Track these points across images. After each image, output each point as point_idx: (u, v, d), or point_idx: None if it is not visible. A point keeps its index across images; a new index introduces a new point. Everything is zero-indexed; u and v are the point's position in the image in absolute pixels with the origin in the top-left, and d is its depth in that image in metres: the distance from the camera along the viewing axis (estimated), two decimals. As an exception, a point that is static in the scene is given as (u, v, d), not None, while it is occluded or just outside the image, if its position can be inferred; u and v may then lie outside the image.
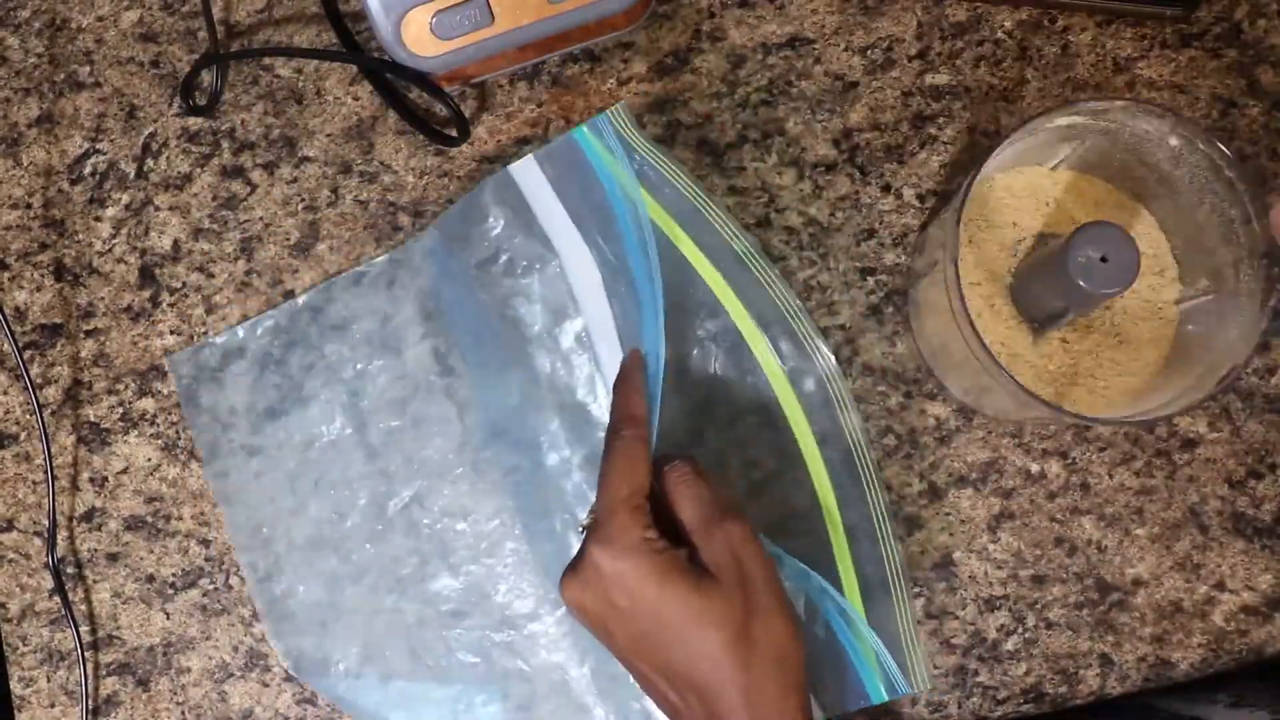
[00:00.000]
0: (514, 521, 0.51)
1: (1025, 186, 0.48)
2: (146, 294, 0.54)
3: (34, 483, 0.55)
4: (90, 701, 0.53)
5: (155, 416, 0.54)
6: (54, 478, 0.53)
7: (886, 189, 0.51)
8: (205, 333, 0.54)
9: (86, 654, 0.53)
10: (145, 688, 0.54)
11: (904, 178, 0.51)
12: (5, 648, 0.54)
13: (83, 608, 0.54)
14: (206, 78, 0.54)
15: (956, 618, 0.49)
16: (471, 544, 0.51)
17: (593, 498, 0.43)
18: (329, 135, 0.54)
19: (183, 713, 0.53)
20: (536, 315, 0.50)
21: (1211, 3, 0.50)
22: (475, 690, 0.51)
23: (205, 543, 0.53)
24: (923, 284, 0.48)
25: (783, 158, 0.52)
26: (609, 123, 0.47)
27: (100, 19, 0.56)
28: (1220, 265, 0.43)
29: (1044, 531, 0.49)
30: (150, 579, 0.54)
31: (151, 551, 0.54)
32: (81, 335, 0.55)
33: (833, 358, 0.48)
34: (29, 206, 0.56)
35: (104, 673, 0.54)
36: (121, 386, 0.54)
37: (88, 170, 0.55)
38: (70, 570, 0.54)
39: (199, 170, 0.55)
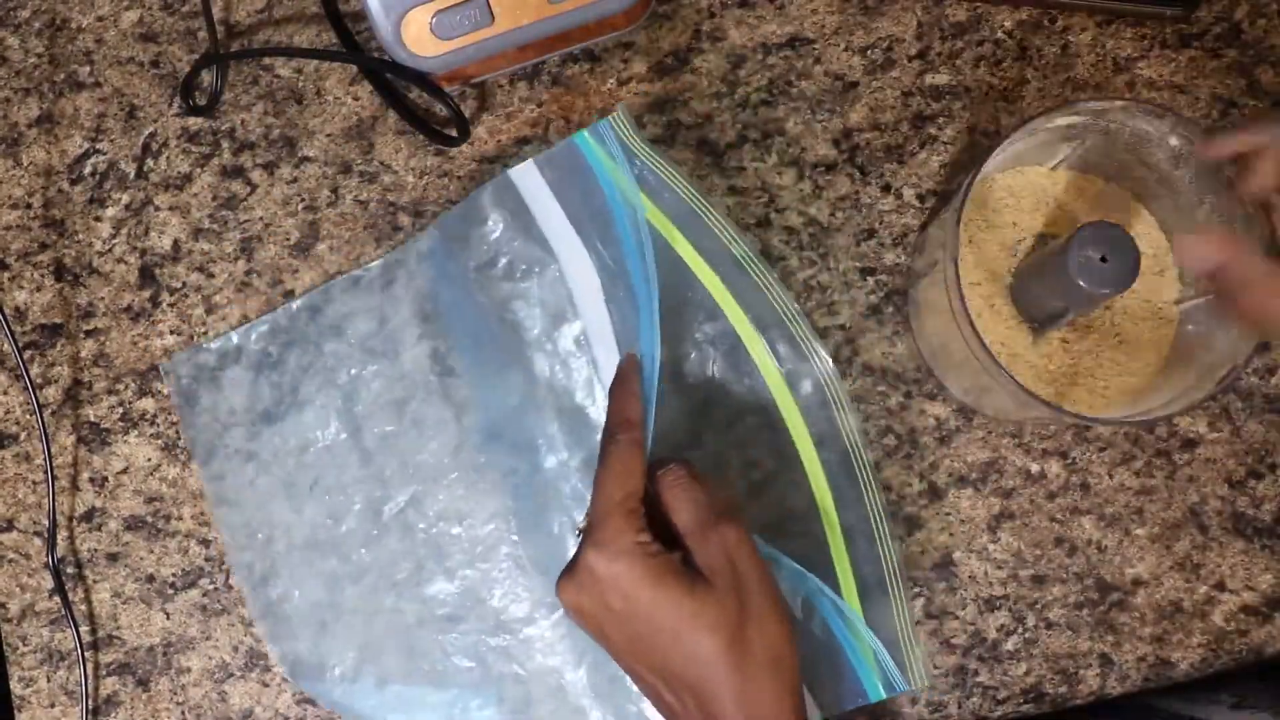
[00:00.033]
0: (510, 525, 0.51)
1: (1025, 186, 0.48)
2: (146, 294, 0.54)
3: (34, 483, 0.55)
4: (90, 701, 0.53)
5: (155, 416, 0.54)
6: (54, 478, 0.53)
7: (886, 189, 0.51)
8: (205, 332, 0.54)
9: (86, 654, 0.53)
10: (145, 688, 0.54)
11: (904, 178, 0.51)
12: (5, 648, 0.54)
13: (83, 608, 0.54)
14: (206, 78, 0.54)
15: (956, 618, 0.49)
16: (467, 548, 0.51)
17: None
18: (329, 135, 0.54)
19: (183, 713, 0.53)
20: (535, 318, 0.50)
21: (1211, 3, 0.50)
22: (471, 694, 0.51)
23: (205, 543, 0.53)
24: (923, 284, 0.48)
25: (783, 158, 0.52)
26: (610, 128, 0.47)
27: (100, 19, 0.56)
28: None
29: (1044, 531, 0.49)
30: (150, 579, 0.54)
31: (151, 551, 0.54)
32: (81, 335, 0.55)
33: (830, 360, 0.48)
34: (29, 206, 0.56)
35: (104, 673, 0.54)
36: (121, 386, 0.54)
37: (88, 170, 0.55)
38: (70, 570, 0.54)
39: (199, 170, 0.55)
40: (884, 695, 0.45)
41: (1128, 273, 0.41)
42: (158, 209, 0.55)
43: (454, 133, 0.51)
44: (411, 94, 0.53)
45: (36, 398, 0.52)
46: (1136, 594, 0.49)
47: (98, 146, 0.55)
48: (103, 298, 0.55)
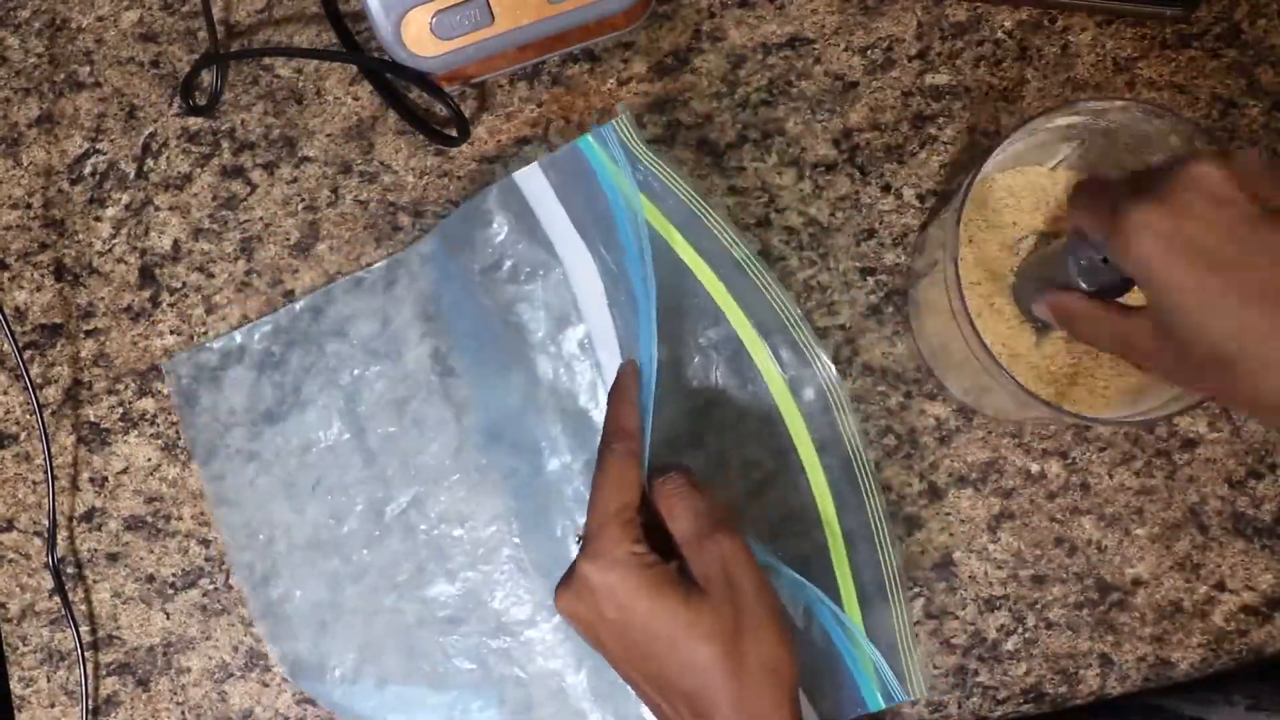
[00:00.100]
0: (512, 527, 0.51)
1: (1025, 186, 0.48)
2: (146, 294, 0.54)
3: (34, 483, 0.55)
4: (90, 701, 0.53)
5: (155, 416, 0.54)
6: (54, 478, 0.53)
7: (886, 189, 0.51)
8: (205, 332, 0.54)
9: (86, 654, 0.53)
10: (145, 688, 0.54)
11: (904, 178, 0.51)
12: (5, 648, 0.54)
13: (83, 608, 0.54)
14: (206, 78, 0.54)
15: (956, 618, 0.49)
16: (469, 550, 0.51)
17: None
18: (329, 135, 0.54)
19: (183, 713, 0.53)
20: (539, 321, 0.50)
21: (1211, 3, 0.50)
22: (471, 696, 0.51)
23: (205, 543, 0.53)
24: (923, 284, 0.48)
25: (783, 158, 0.52)
26: (613, 131, 0.47)
27: (100, 19, 0.56)
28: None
29: (1044, 531, 0.49)
30: (150, 579, 0.54)
31: (151, 551, 0.54)
32: (81, 335, 0.55)
33: (832, 366, 0.48)
34: (29, 206, 0.56)
35: (104, 673, 0.54)
36: (121, 386, 0.54)
37: (88, 170, 0.55)
38: (70, 570, 0.54)
39: (199, 170, 0.55)
40: (883, 705, 0.45)
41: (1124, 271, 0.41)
42: (158, 209, 0.55)
43: (454, 133, 0.51)
44: (411, 94, 0.53)
45: (36, 398, 0.52)
46: (1136, 594, 0.49)
47: (98, 146, 0.55)
48: (103, 298, 0.55)
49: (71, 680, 0.54)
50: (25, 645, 0.54)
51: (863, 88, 0.51)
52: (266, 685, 0.53)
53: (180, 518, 0.54)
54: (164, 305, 0.54)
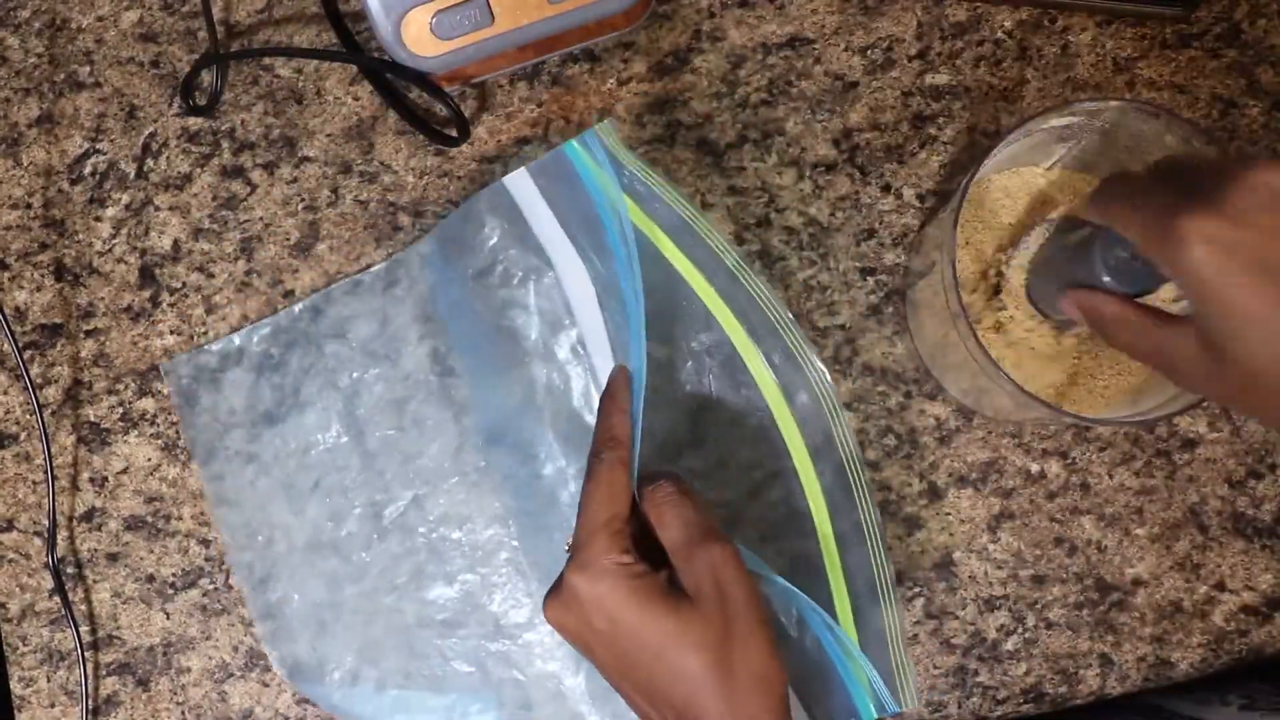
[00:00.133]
0: (510, 529, 0.51)
1: (1022, 187, 0.48)
2: (146, 294, 0.54)
3: (34, 483, 0.55)
4: (90, 701, 0.53)
5: (155, 416, 0.54)
6: (54, 478, 0.53)
7: (886, 189, 0.51)
8: (205, 332, 0.54)
9: (86, 654, 0.54)
10: (145, 688, 0.54)
11: (904, 178, 0.51)
12: (5, 648, 0.54)
13: (83, 608, 0.54)
14: (206, 78, 0.54)
15: (956, 618, 0.49)
16: (467, 552, 0.51)
17: None
18: (329, 135, 0.54)
19: (183, 713, 0.53)
20: (533, 326, 0.50)
21: (1211, 3, 0.50)
22: (470, 699, 0.51)
23: (205, 543, 0.53)
24: (920, 285, 0.48)
25: (783, 158, 0.52)
26: (597, 137, 0.47)
27: (100, 19, 0.56)
28: None
29: (1044, 531, 0.49)
30: (150, 579, 0.54)
31: (151, 551, 0.54)
32: (81, 335, 0.55)
33: (826, 371, 0.48)
34: (29, 206, 0.56)
35: (104, 673, 0.54)
36: (121, 386, 0.54)
37: (88, 170, 0.55)
38: (70, 570, 0.54)
39: (199, 170, 0.55)
40: (875, 715, 0.45)
41: (1158, 271, 0.38)
42: (158, 209, 0.55)
43: (454, 133, 0.51)
44: (411, 94, 0.53)
45: (36, 398, 0.52)
46: (1136, 594, 0.49)
47: (98, 146, 0.55)
48: (103, 298, 0.55)
49: (71, 680, 0.54)
50: (25, 645, 0.54)
51: (863, 88, 0.51)
52: (266, 685, 0.53)
53: (180, 518, 0.54)
54: (164, 305, 0.54)
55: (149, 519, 0.54)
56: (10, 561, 0.55)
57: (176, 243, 0.55)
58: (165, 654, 0.53)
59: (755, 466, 0.49)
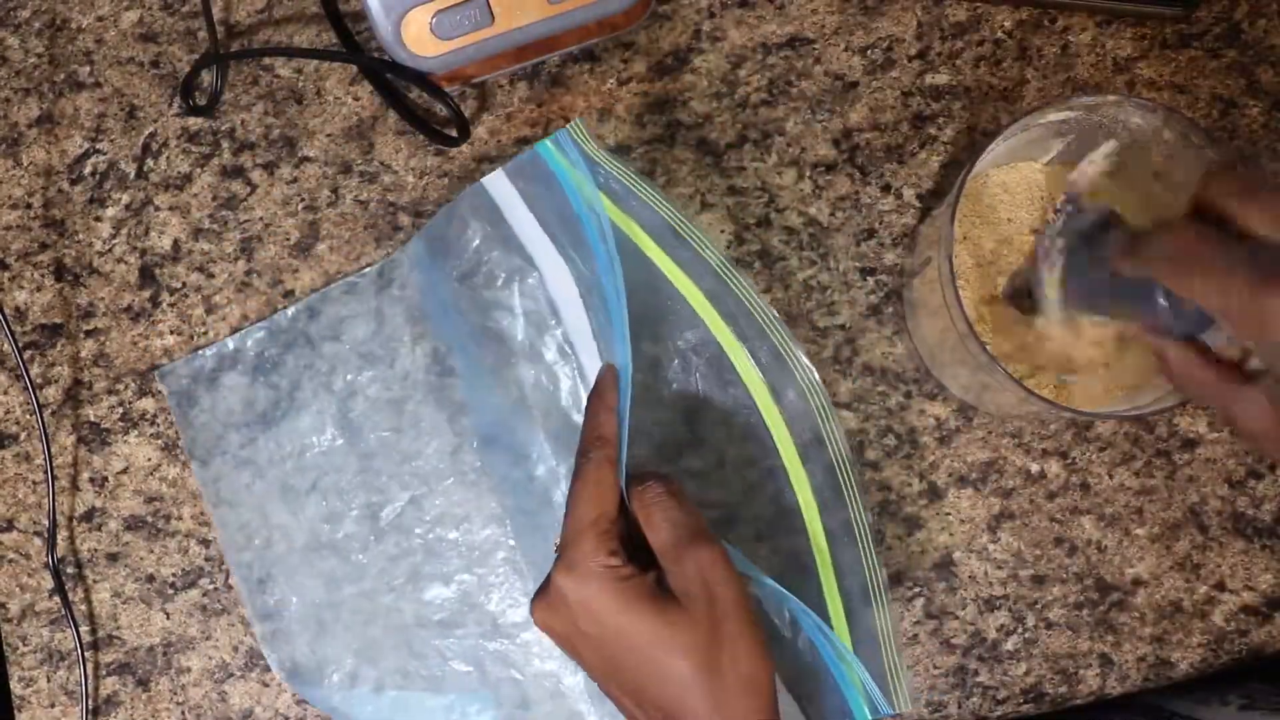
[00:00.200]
0: (506, 529, 0.51)
1: (1019, 182, 0.48)
2: (146, 294, 0.54)
3: (34, 483, 0.55)
4: (90, 701, 0.53)
5: (155, 416, 0.54)
6: (54, 478, 0.53)
7: (886, 189, 0.51)
8: (205, 332, 0.54)
9: (86, 654, 0.53)
10: (145, 688, 0.54)
11: (904, 178, 0.51)
12: (5, 648, 0.54)
13: (83, 608, 0.54)
14: (206, 78, 0.54)
15: (956, 618, 0.49)
16: (464, 553, 0.51)
17: None
18: (329, 135, 0.54)
19: (183, 713, 0.53)
20: (519, 327, 0.50)
21: (1211, 3, 0.50)
22: (469, 699, 0.51)
23: (205, 543, 0.53)
24: (916, 282, 0.48)
25: (783, 158, 0.52)
26: (569, 136, 0.47)
27: (100, 19, 0.56)
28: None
29: (1044, 531, 0.49)
30: (150, 579, 0.54)
31: (151, 551, 0.54)
32: (81, 335, 0.55)
33: (814, 369, 0.48)
34: (29, 206, 0.56)
35: (104, 673, 0.54)
36: (121, 386, 0.54)
37: (88, 170, 0.55)
38: (70, 570, 0.54)
39: (199, 170, 0.55)
40: (869, 717, 0.45)
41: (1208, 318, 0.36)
42: (158, 209, 0.55)
43: (454, 133, 0.51)
44: (411, 94, 0.53)
45: (36, 398, 0.52)
46: (1136, 594, 0.49)
47: (98, 146, 0.55)
48: (103, 298, 0.55)
49: (71, 680, 0.54)
50: (25, 645, 0.54)
51: (863, 88, 0.51)
52: (266, 685, 0.53)
53: (180, 518, 0.54)
54: (164, 305, 0.54)
55: (149, 519, 0.54)
56: (10, 561, 0.55)
57: (176, 243, 0.55)
58: (165, 654, 0.53)
59: (749, 465, 0.49)
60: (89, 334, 0.55)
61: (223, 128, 0.55)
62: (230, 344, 0.53)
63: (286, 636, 0.52)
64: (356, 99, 0.54)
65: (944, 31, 0.51)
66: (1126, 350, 0.46)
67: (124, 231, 0.55)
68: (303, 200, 0.54)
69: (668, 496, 0.40)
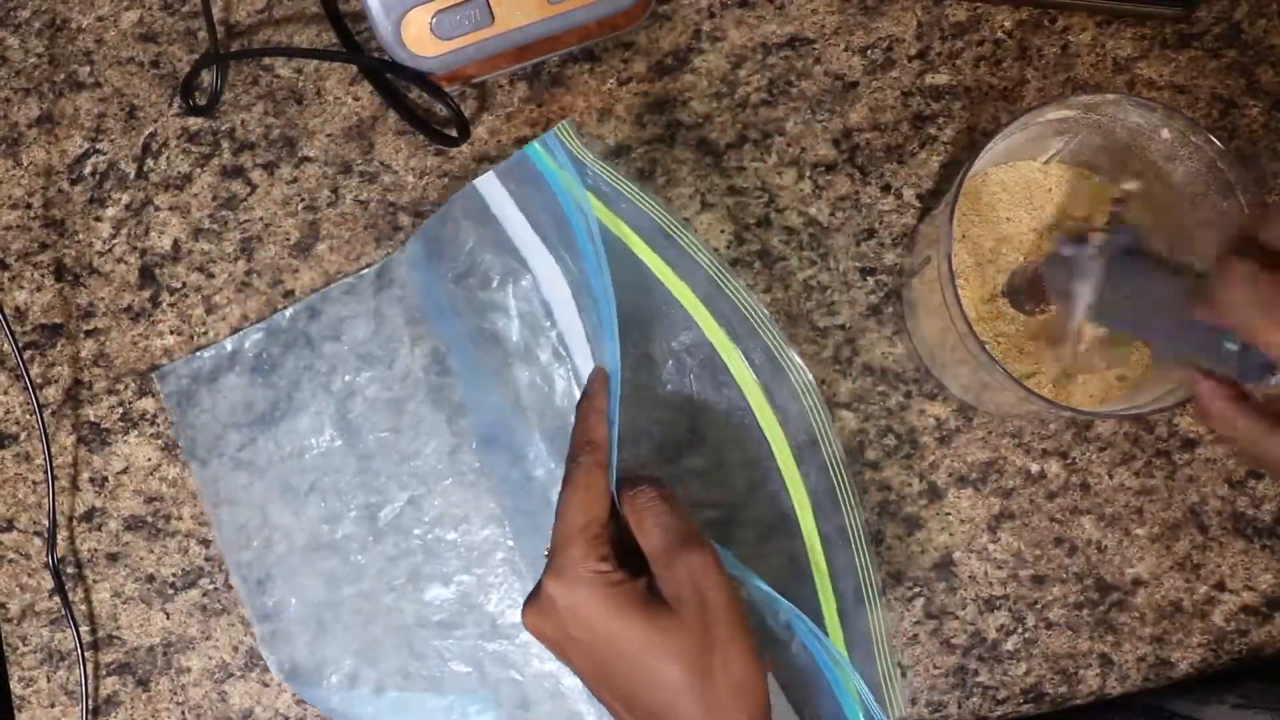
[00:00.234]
0: (505, 529, 0.51)
1: (1018, 181, 0.48)
2: (146, 294, 0.54)
3: (34, 483, 0.55)
4: (90, 701, 0.53)
5: (155, 416, 0.54)
6: (54, 478, 0.53)
7: (886, 189, 0.51)
8: (205, 332, 0.54)
9: (86, 654, 0.53)
10: (145, 688, 0.54)
11: (904, 178, 0.51)
12: (5, 648, 0.54)
13: (83, 608, 0.54)
14: (206, 78, 0.54)
15: (956, 618, 0.49)
16: (463, 553, 0.51)
17: None
18: (329, 135, 0.54)
19: (183, 713, 0.53)
20: (514, 329, 0.50)
21: (1211, 3, 0.50)
22: (468, 699, 0.50)
23: (205, 543, 0.53)
24: (914, 282, 0.48)
25: (783, 158, 0.52)
26: (557, 138, 0.46)
27: (100, 19, 0.56)
28: (1215, 259, 0.43)
29: (1044, 531, 0.49)
30: (150, 579, 0.54)
31: (151, 551, 0.54)
32: (81, 335, 0.55)
33: (808, 370, 0.48)
34: (29, 206, 0.56)
35: (104, 673, 0.54)
36: (121, 386, 0.54)
37: (88, 170, 0.55)
38: (70, 570, 0.54)
39: (199, 170, 0.55)
40: None
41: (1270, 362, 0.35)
42: (158, 209, 0.55)
43: (454, 133, 0.51)
44: (411, 94, 0.53)
45: (36, 398, 0.52)
46: (1136, 594, 0.49)
47: (98, 146, 0.55)
48: (103, 298, 0.55)
49: (71, 680, 0.54)
50: (25, 645, 0.54)
51: (863, 88, 0.51)
52: (266, 685, 0.53)
53: (180, 518, 0.54)
54: (164, 305, 0.54)
55: (149, 519, 0.54)
56: (10, 561, 0.55)
57: (176, 243, 0.55)
58: (165, 654, 0.53)
59: (748, 466, 0.49)
60: (89, 334, 0.55)
61: (223, 128, 0.55)
62: (228, 345, 0.53)
63: (286, 637, 0.52)
64: (356, 99, 0.54)
65: (944, 31, 0.51)
66: (1122, 350, 0.46)
67: (124, 231, 0.55)
68: (303, 200, 0.54)
69: (659, 501, 0.39)
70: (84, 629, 0.54)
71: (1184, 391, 0.41)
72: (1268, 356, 0.33)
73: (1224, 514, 0.49)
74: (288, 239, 0.54)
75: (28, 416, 0.55)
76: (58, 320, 0.55)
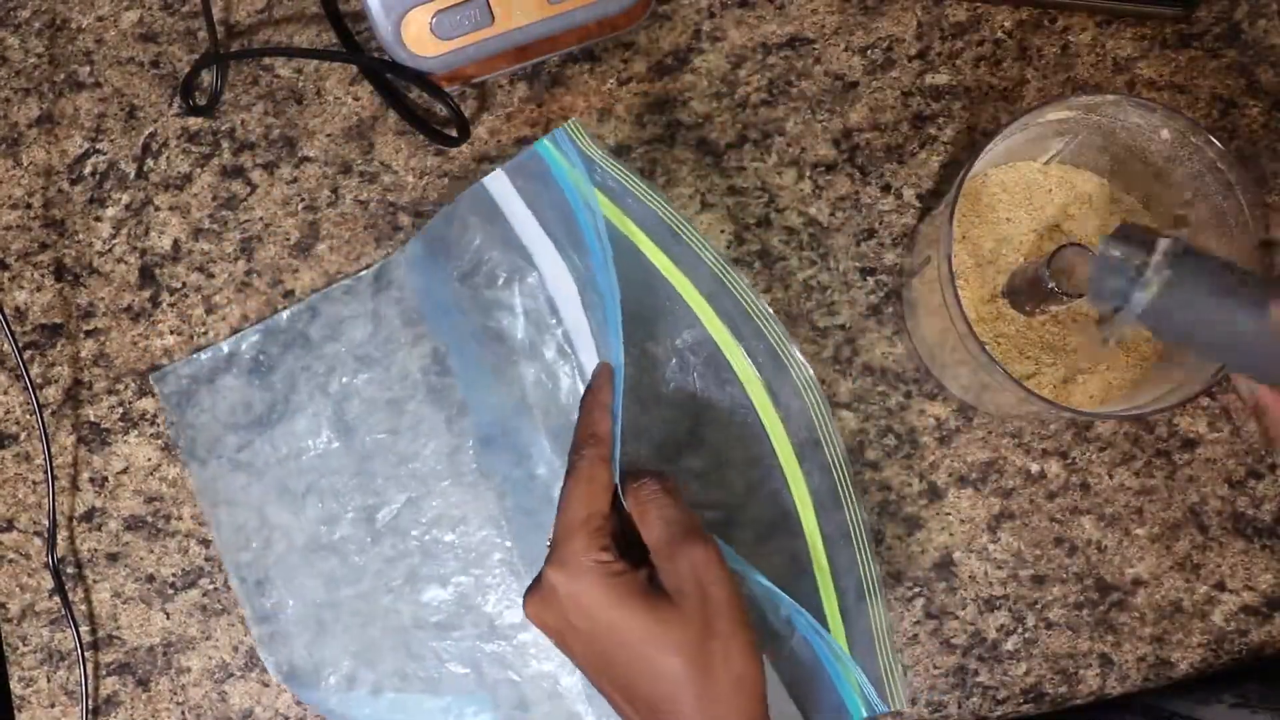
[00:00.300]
0: (503, 530, 0.51)
1: (1018, 181, 0.48)
2: (146, 294, 0.54)
3: (34, 483, 0.55)
4: (90, 701, 0.53)
5: (155, 416, 0.54)
6: (54, 478, 0.53)
7: (886, 189, 0.51)
8: (205, 333, 0.54)
9: (86, 654, 0.53)
10: (145, 688, 0.54)
11: (904, 178, 0.51)
12: (5, 648, 0.54)
13: (83, 608, 0.54)
14: (206, 78, 0.54)
15: (956, 618, 0.49)
16: (461, 554, 0.51)
17: None
18: (329, 135, 0.54)
19: (183, 713, 0.53)
20: (519, 326, 0.50)
21: (1211, 3, 0.50)
22: (466, 701, 0.50)
23: (205, 543, 0.53)
24: (915, 282, 0.48)
25: (783, 158, 0.52)
26: (566, 135, 0.47)
27: (100, 19, 0.56)
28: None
29: (1044, 531, 0.49)
30: (150, 579, 0.54)
31: (151, 551, 0.54)
32: (81, 335, 0.55)
33: (809, 366, 0.48)
34: (29, 206, 0.56)
35: (104, 673, 0.54)
36: (121, 386, 0.54)
37: (88, 170, 0.55)
38: (70, 570, 0.54)
39: (199, 170, 0.55)
40: (864, 715, 0.45)
41: None
42: (158, 209, 0.55)
43: (454, 133, 0.51)
44: (411, 94, 0.53)
45: (36, 398, 0.52)
46: (1136, 594, 0.49)
47: (98, 146, 0.55)
48: (103, 298, 0.55)
49: (71, 680, 0.54)
50: (25, 645, 0.54)
51: (863, 88, 0.51)
52: (266, 685, 0.53)
53: (180, 518, 0.54)
54: (164, 305, 0.54)
55: (149, 519, 0.54)
56: (10, 561, 0.55)
57: (176, 243, 0.55)
58: (165, 654, 0.53)
59: (750, 465, 0.49)
60: (89, 334, 0.55)
61: (223, 128, 0.55)
62: (225, 347, 0.53)
63: (284, 638, 0.52)
64: (356, 99, 0.54)
65: (944, 31, 0.51)
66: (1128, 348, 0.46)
67: (124, 231, 0.55)
68: (303, 200, 0.54)
69: (663, 494, 0.40)
70: (84, 629, 0.54)
71: (1185, 392, 0.41)
72: None
73: (1224, 514, 0.49)
74: (288, 239, 0.54)
75: (28, 416, 0.55)
76: (58, 320, 0.55)
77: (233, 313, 0.54)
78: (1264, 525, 0.48)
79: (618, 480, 0.40)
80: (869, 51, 0.52)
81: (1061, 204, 0.48)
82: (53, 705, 0.54)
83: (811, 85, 0.52)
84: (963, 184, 0.41)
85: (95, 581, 0.54)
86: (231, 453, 0.53)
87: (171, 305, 0.54)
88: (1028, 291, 0.46)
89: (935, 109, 0.51)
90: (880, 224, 0.51)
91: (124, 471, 0.54)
